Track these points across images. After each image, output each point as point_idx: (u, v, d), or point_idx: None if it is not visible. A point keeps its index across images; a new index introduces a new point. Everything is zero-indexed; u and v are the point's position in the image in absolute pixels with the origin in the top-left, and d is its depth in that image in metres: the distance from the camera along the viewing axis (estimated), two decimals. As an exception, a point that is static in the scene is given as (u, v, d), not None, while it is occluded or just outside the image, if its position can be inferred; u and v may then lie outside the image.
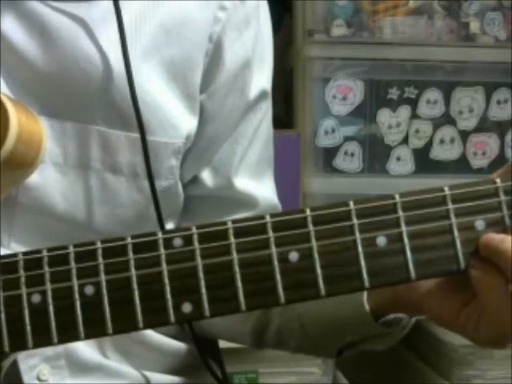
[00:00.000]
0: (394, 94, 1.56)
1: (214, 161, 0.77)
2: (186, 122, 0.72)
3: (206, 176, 0.77)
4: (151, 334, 0.74)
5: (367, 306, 0.63)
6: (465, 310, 0.55)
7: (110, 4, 0.67)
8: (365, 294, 0.63)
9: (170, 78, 0.71)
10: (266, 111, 0.80)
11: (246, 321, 0.76)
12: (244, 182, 0.78)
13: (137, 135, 0.68)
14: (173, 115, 0.71)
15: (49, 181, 0.67)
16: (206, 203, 0.78)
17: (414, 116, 1.57)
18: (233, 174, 0.77)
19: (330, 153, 1.55)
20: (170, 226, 0.76)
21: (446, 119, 1.58)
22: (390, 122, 1.57)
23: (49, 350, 0.66)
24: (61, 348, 0.67)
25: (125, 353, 0.73)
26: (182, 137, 0.72)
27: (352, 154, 1.56)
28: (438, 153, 1.59)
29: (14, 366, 0.65)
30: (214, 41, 0.73)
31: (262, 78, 0.78)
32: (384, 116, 1.56)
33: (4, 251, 0.64)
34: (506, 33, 1.58)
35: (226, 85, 0.74)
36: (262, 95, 0.78)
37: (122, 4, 0.67)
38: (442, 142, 1.59)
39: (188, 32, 0.71)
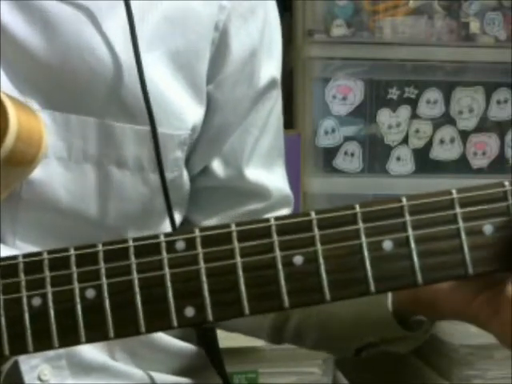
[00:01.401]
0: (393, 94, 1.56)
1: (224, 151, 0.76)
2: (192, 113, 0.71)
3: (217, 166, 0.76)
4: (158, 335, 0.73)
5: (391, 309, 0.63)
6: (477, 298, 0.54)
7: None
8: (389, 297, 0.63)
9: (175, 68, 0.70)
10: (275, 100, 0.79)
11: (264, 316, 0.76)
12: (255, 173, 0.77)
13: (142, 127, 0.68)
14: (179, 106, 0.70)
15: (52, 176, 0.66)
16: (217, 194, 0.77)
17: (414, 116, 1.57)
18: (244, 164, 0.76)
19: (330, 153, 1.55)
20: (176, 216, 0.75)
21: (446, 119, 1.58)
22: (390, 121, 1.57)
23: (50, 351, 0.65)
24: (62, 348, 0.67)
25: (131, 354, 0.72)
26: (188, 128, 0.71)
27: (352, 154, 1.56)
28: (438, 153, 1.59)
29: (15, 366, 0.64)
30: (219, 29, 0.72)
31: (270, 67, 0.77)
32: (384, 116, 1.56)
33: (9, 249, 0.64)
34: (506, 33, 1.58)
35: (233, 74, 0.73)
36: (271, 84, 0.77)
37: None
38: (442, 142, 1.59)
39: (193, 21, 0.71)
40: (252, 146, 0.77)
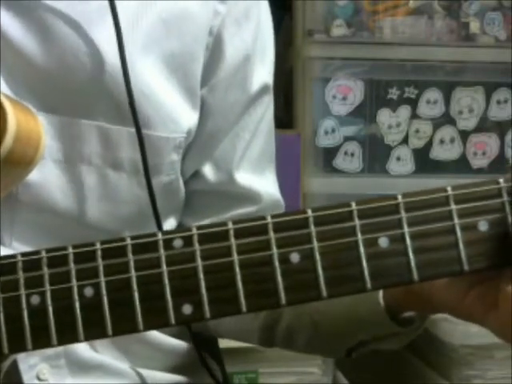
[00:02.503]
0: (394, 94, 1.56)
1: (215, 155, 0.76)
2: (186, 117, 0.72)
3: (208, 171, 0.76)
4: (152, 333, 0.74)
5: (382, 304, 0.63)
6: (470, 293, 0.54)
7: None
8: (380, 292, 0.63)
9: (170, 72, 0.70)
10: (267, 105, 0.79)
11: (255, 317, 0.76)
12: (246, 177, 0.78)
13: None
14: (173, 110, 0.71)
15: (49, 177, 0.67)
16: (208, 198, 0.77)
17: (414, 116, 1.57)
18: (234, 169, 0.77)
19: (330, 153, 1.55)
20: (171, 222, 0.75)
21: (446, 119, 1.58)
22: (390, 121, 1.57)
23: (48, 350, 0.66)
24: (60, 347, 0.67)
25: (125, 351, 0.73)
26: (183, 131, 0.72)
27: (352, 154, 1.56)
28: (438, 153, 1.59)
29: (14, 365, 0.64)
30: (214, 34, 0.72)
31: (263, 72, 0.78)
32: (384, 116, 1.56)
33: (6, 250, 0.64)
34: (506, 33, 1.58)
35: (226, 78, 0.74)
36: (263, 89, 0.78)
37: None
38: (441, 142, 1.59)
39: (188, 26, 0.71)
40: (243, 151, 0.77)
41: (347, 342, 0.69)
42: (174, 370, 0.76)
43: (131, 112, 0.66)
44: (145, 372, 0.74)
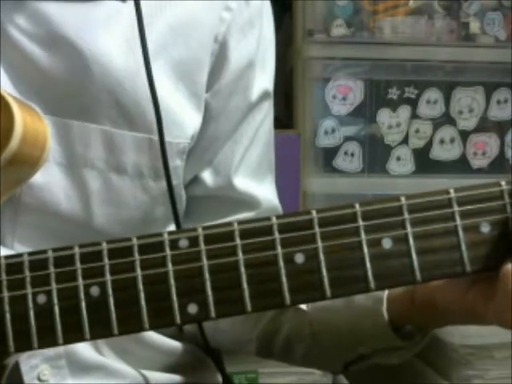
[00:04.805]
0: (394, 94, 1.56)
1: (214, 161, 0.77)
2: (191, 122, 0.72)
3: (207, 176, 0.77)
4: (149, 333, 0.74)
5: (386, 317, 0.63)
6: (472, 288, 0.54)
7: (115, 4, 0.67)
8: (384, 304, 0.63)
9: (177, 77, 0.71)
10: (267, 112, 0.80)
11: (254, 327, 0.76)
12: (244, 182, 0.78)
13: (142, 135, 0.69)
14: (179, 115, 0.71)
15: (52, 180, 0.67)
16: (206, 203, 0.78)
17: (414, 116, 1.57)
18: (232, 174, 0.77)
19: (329, 153, 1.55)
20: (172, 228, 0.75)
21: (446, 119, 1.58)
22: (390, 122, 1.57)
23: (49, 350, 0.66)
24: (61, 348, 0.67)
25: (122, 352, 0.73)
26: (188, 137, 0.72)
27: (352, 154, 1.56)
28: (438, 153, 1.59)
29: (16, 366, 0.64)
30: (219, 41, 0.73)
31: (264, 79, 0.78)
32: (384, 116, 1.56)
33: (7, 252, 0.64)
34: (506, 33, 1.58)
35: (230, 84, 0.75)
36: (263, 96, 0.78)
37: (128, 4, 0.67)
38: (441, 142, 1.59)
39: (194, 32, 0.72)
40: (241, 156, 0.78)
41: (346, 354, 0.69)
42: (172, 370, 0.76)
43: (156, 120, 0.67)
44: (144, 372, 0.74)
